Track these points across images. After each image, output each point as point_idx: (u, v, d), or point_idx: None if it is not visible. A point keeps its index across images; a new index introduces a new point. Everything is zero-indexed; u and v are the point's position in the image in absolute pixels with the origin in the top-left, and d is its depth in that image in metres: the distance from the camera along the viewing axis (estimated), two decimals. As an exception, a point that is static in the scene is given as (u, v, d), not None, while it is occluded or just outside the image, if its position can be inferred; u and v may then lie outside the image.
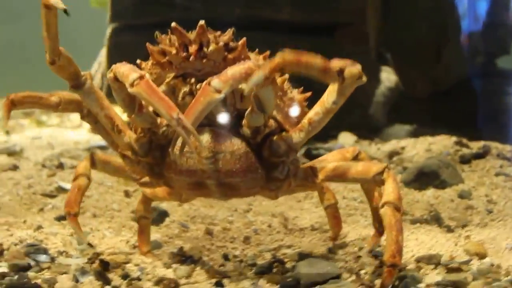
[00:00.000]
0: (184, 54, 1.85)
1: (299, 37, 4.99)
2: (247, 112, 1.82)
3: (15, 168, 3.68)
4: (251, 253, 2.29)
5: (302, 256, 2.17)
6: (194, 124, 1.68)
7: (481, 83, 5.85)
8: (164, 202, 2.88)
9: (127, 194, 3.17)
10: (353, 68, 1.76)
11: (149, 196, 2.21)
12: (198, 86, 1.84)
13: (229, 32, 1.90)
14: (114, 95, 1.86)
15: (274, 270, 2.06)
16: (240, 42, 1.90)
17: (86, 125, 6.07)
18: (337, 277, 1.96)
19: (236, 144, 1.83)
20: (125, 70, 1.73)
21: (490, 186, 3.23)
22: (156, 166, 1.92)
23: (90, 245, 2.28)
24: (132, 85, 1.70)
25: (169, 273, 2.02)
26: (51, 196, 3.12)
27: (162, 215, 2.79)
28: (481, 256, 2.28)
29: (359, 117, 4.97)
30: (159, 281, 1.93)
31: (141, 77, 1.70)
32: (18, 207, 3.01)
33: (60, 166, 3.69)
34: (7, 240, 2.28)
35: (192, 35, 1.86)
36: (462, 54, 5.80)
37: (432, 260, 2.19)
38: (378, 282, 1.89)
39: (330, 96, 1.86)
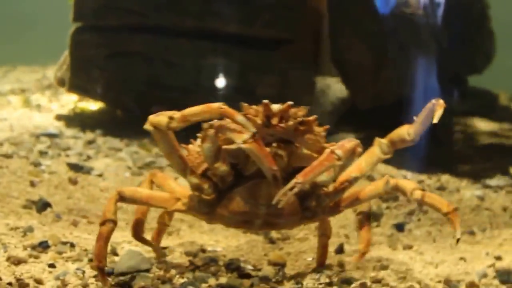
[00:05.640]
0: (266, 123, 2.24)
1: (246, 49, 5.53)
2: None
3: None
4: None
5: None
6: (313, 178, 2.14)
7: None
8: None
9: (32, 184, 3.71)
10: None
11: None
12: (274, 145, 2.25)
13: (304, 109, 2.31)
14: (205, 146, 2.22)
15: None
16: (311, 118, 2.31)
17: (55, 110, 6.56)
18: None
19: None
20: (236, 128, 2.11)
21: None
22: (215, 204, 2.32)
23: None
24: (245, 142, 2.09)
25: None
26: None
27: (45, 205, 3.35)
28: (282, 264, 2.78)
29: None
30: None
31: (253, 136, 2.10)
32: None
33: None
34: None
35: (274, 107, 2.25)
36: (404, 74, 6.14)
37: (231, 266, 2.64)
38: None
39: (367, 166, 2.35)
